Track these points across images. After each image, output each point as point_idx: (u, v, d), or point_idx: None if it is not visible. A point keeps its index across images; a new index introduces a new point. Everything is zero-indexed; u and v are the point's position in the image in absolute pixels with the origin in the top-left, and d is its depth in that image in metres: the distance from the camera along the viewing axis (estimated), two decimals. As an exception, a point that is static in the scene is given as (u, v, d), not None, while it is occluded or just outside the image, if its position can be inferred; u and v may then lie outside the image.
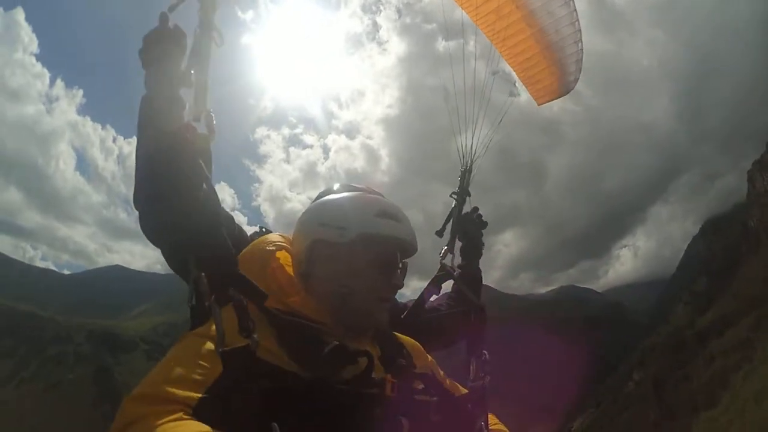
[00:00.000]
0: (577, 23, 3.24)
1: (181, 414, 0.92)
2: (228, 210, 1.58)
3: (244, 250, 1.36)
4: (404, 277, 1.38)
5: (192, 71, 1.39)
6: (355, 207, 1.32)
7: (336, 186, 1.45)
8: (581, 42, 3.29)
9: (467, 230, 2.48)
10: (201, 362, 1.02)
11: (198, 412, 0.94)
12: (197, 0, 1.43)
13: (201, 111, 1.34)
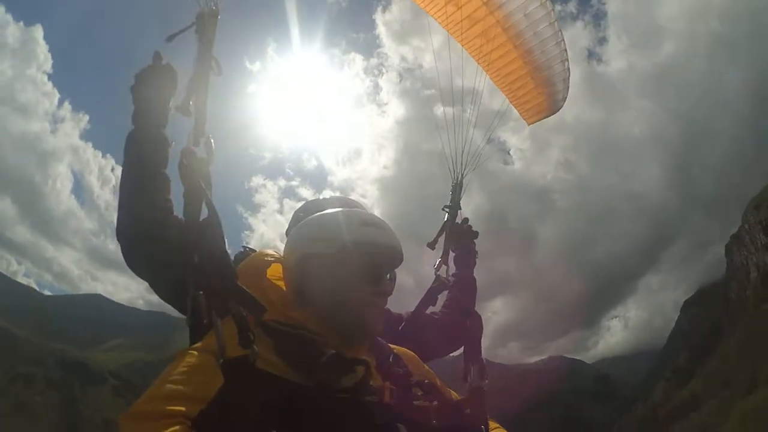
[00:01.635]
0: (562, 43, 3.28)
1: (179, 427, 0.94)
2: None
3: (241, 264, 1.42)
4: (393, 286, 1.43)
5: (191, 101, 1.45)
6: (339, 219, 1.37)
7: (321, 197, 1.57)
8: (568, 61, 3.33)
9: (461, 240, 2.57)
10: (199, 377, 1.04)
11: (198, 425, 0.96)
12: (195, 31, 1.50)
13: (200, 136, 1.40)
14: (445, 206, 2.78)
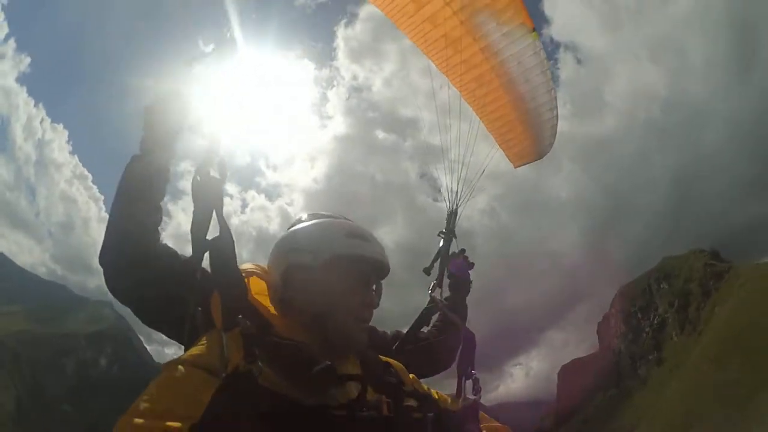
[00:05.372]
0: (553, 91, 3.44)
1: None
2: None
3: None
4: (380, 298, 1.44)
5: (206, 121, 1.41)
6: (324, 231, 1.39)
7: (304, 216, 1.56)
8: (557, 109, 3.49)
9: (455, 272, 2.65)
10: (190, 392, 1.02)
11: None
12: (213, 55, 1.46)
13: (215, 158, 1.36)
14: (441, 232, 2.90)
